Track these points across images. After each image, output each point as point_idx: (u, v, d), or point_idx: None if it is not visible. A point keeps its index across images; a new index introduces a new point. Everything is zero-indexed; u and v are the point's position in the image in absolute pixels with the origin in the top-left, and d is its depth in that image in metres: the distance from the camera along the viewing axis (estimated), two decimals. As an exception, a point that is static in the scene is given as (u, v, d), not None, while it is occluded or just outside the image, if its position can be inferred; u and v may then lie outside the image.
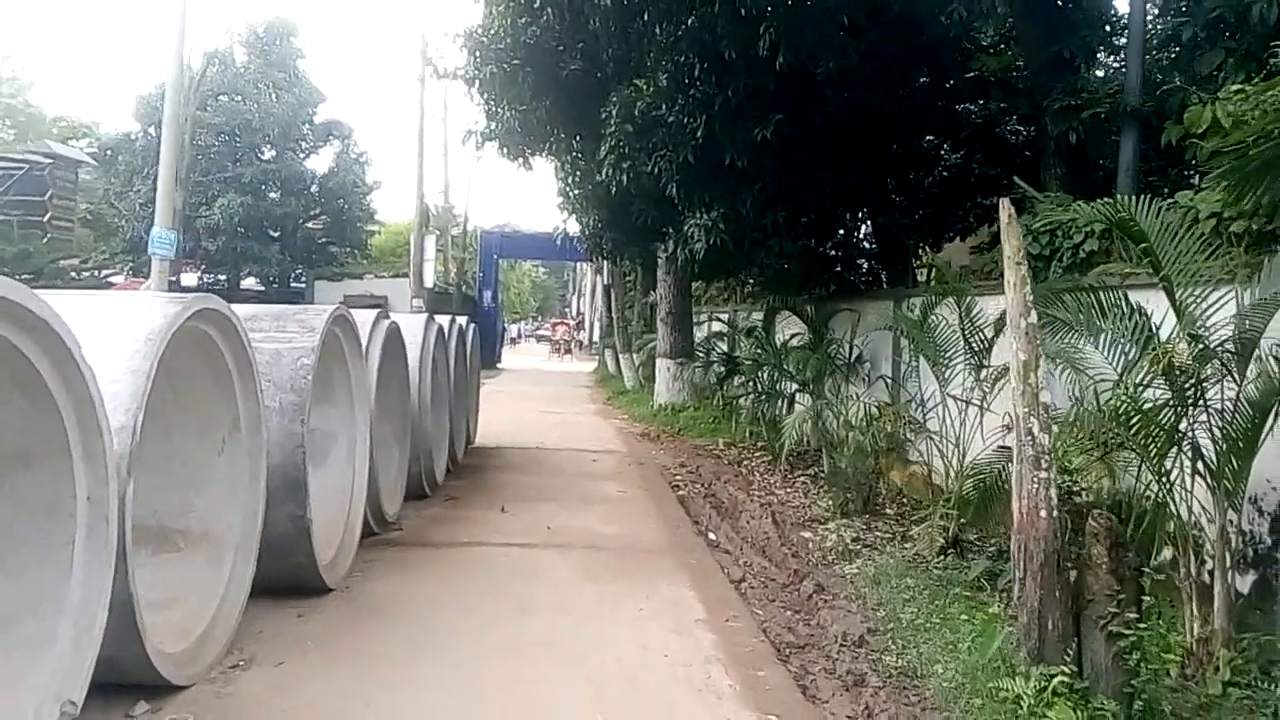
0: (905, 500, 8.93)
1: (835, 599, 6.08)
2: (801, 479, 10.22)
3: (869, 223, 11.56)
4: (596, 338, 45.11)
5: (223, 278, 32.64)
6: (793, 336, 11.75)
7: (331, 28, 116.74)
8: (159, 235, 13.63)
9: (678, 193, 9.90)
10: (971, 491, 6.49)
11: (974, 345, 7.17)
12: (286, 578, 5.48)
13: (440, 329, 9.29)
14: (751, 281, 17.67)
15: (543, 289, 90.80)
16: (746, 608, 5.94)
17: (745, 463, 11.48)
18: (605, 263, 24.58)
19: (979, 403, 7.00)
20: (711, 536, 8.08)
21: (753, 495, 9.58)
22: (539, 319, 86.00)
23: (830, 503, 8.88)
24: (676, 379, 16.26)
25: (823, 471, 10.18)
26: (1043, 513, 4.25)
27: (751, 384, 10.97)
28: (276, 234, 31.68)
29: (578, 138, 12.24)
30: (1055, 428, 4.66)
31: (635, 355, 22.59)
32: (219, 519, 4.95)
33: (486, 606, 5.60)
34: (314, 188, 31.67)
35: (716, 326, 17.70)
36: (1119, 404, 4.94)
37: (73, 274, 17.77)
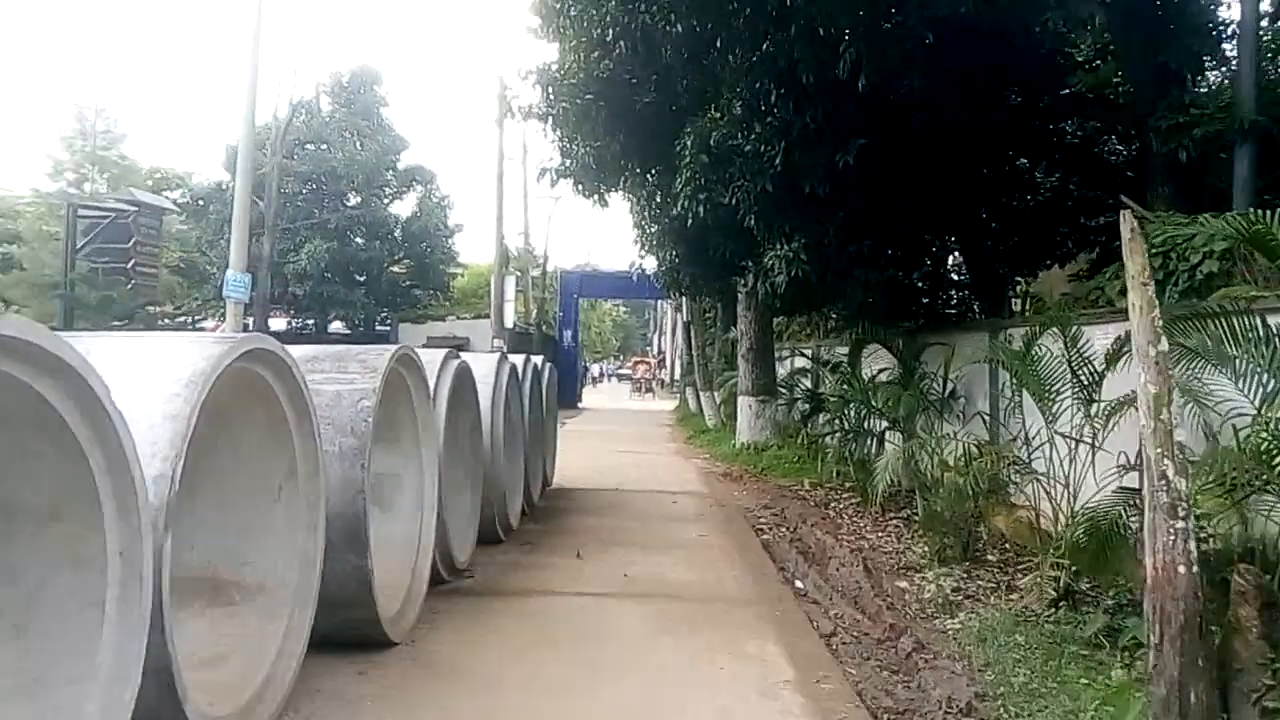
0: (1008, 546, 8.30)
1: (937, 658, 5.54)
2: (894, 522, 9.64)
3: (958, 251, 11.01)
4: (677, 376, 44.80)
5: (310, 322, 33.31)
6: (880, 371, 11.20)
7: (413, 74, 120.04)
8: (233, 278, 13.78)
9: (756, 224, 9.53)
10: (1085, 538, 5.91)
11: (1082, 378, 6.60)
12: (347, 632, 5.21)
13: (514, 368, 9.05)
14: (834, 316, 17.19)
15: (624, 328, 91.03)
16: (838, 667, 5.45)
17: (833, 504, 10.93)
18: (684, 299, 24.28)
19: (1090, 440, 6.41)
20: (799, 585, 7.60)
21: (842, 540, 9.04)
22: (620, 358, 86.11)
23: (926, 549, 8.31)
24: (759, 417, 15.77)
25: (916, 514, 9.59)
26: (1181, 568, 3.71)
27: (838, 422, 10.44)
28: (362, 278, 32.25)
29: (653, 172, 11.99)
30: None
31: (716, 393, 22.15)
32: (275, 570, 4.70)
33: (556, 666, 5.23)
34: (397, 232, 32.21)
35: (799, 362, 17.21)
36: (1259, 440, 4.38)
37: (164, 320, 18.23)
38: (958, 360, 9.81)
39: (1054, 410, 6.45)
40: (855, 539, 9.13)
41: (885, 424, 9.50)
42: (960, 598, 6.88)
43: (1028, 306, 11.26)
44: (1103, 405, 6.45)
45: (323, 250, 28.91)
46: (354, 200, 31.57)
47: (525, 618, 6.14)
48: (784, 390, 15.57)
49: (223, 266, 30.13)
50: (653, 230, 13.38)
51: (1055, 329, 6.96)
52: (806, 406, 11.96)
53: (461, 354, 8.28)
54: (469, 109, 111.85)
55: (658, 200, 12.17)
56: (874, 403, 9.47)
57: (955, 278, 11.84)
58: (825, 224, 9.34)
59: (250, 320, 26.73)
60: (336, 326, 32.74)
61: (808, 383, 15.61)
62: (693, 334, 24.63)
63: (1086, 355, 6.70)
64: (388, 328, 32.89)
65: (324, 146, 30.51)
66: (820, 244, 9.33)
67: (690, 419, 26.17)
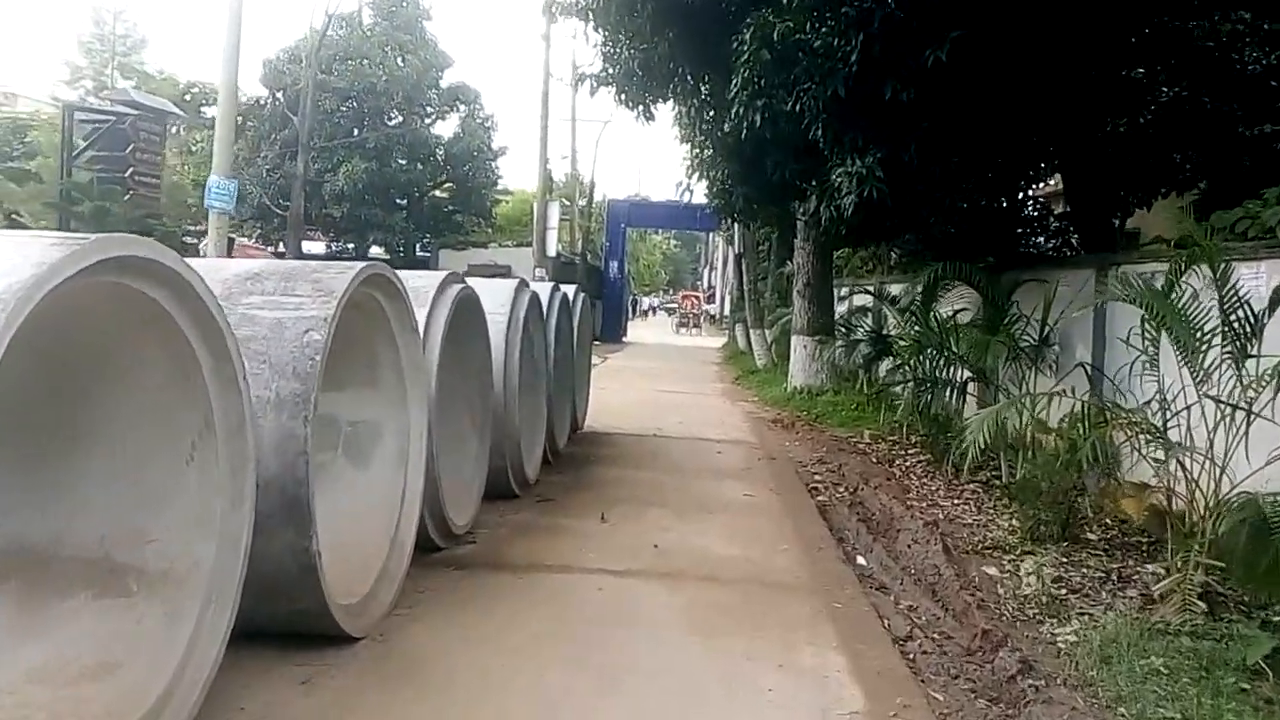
0: (1111, 523, 6.99)
1: (1050, 684, 4.29)
2: (970, 488, 8.34)
3: (1059, 175, 9.45)
4: (726, 311, 43.40)
5: (350, 246, 32.36)
6: (958, 313, 9.80)
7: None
8: (216, 185, 12.04)
9: (824, 135, 8.10)
10: (1241, 530, 4.60)
11: (1236, 327, 5.20)
12: (290, 625, 4.10)
13: (535, 298, 7.82)
14: (900, 250, 15.67)
15: (674, 261, 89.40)
16: (920, 689, 4.23)
17: (898, 462, 9.64)
18: (736, 229, 22.76)
19: (1246, 406, 5.04)
20: (861, 562, 6.39)
21: (911, 507, 7.78)
22: (670, 292, 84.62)
23: (1014, 523, 7.03)
24: (814, 359, 14.43)
25: (998, 479, 8.29)
26: None
27: (909, 369, 9.09)
28: (402, 201, 31.12)
29: (705, 79, 10.52)
30: None
31: (767, 331, 20.78)
32: (186, 552, 3.57)
33: (560, 674, 4.09)
34: (439, 154, 30.89)
35: (860, 301, 15.79)
36: None
37: (187, 238, 17.28)
38: (1055, 302, 8.39)
39: (1203, 365, 5.06)
40: (927, 506, 7.86)
41: (967, 373, 8.12)
42: (1065, 592, 5.61)
43: (1123, 243, 9.75)
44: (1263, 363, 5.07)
45: (361, 170, 27.72)
46: (395, 119, 30.27)
47: (529, 603, 5.00)
48: (843, 331, 14.18)
49: (258, 184, 29.28)
50: (704, 147, 11.91)
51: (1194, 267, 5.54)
52: (870, 350, 10.58)
53: (473, 280, 7.11)
54: (515, 25, 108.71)
55: (710, 112, 10.68)
56: (954, 348, 8.08)
57: (1044, 207, 10.29)
58: (906, 137, 7.87)
59: (283, 241, 25.87)
60: (376, 252, 31.72)
61: (869, 323, 14.22)
62: (744, 267, 23.16)
63: (1242, 298, 5.30)
64: (429, 254, 31.86)
65: (364, 62, 29.12)
66: (898, 160, 7.88)
67: (739, 357, 24.89)
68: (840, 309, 15.92)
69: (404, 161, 29.40)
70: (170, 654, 3.43)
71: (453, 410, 6.27)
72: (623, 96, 11.14)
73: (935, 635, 5.00)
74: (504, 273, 22.81)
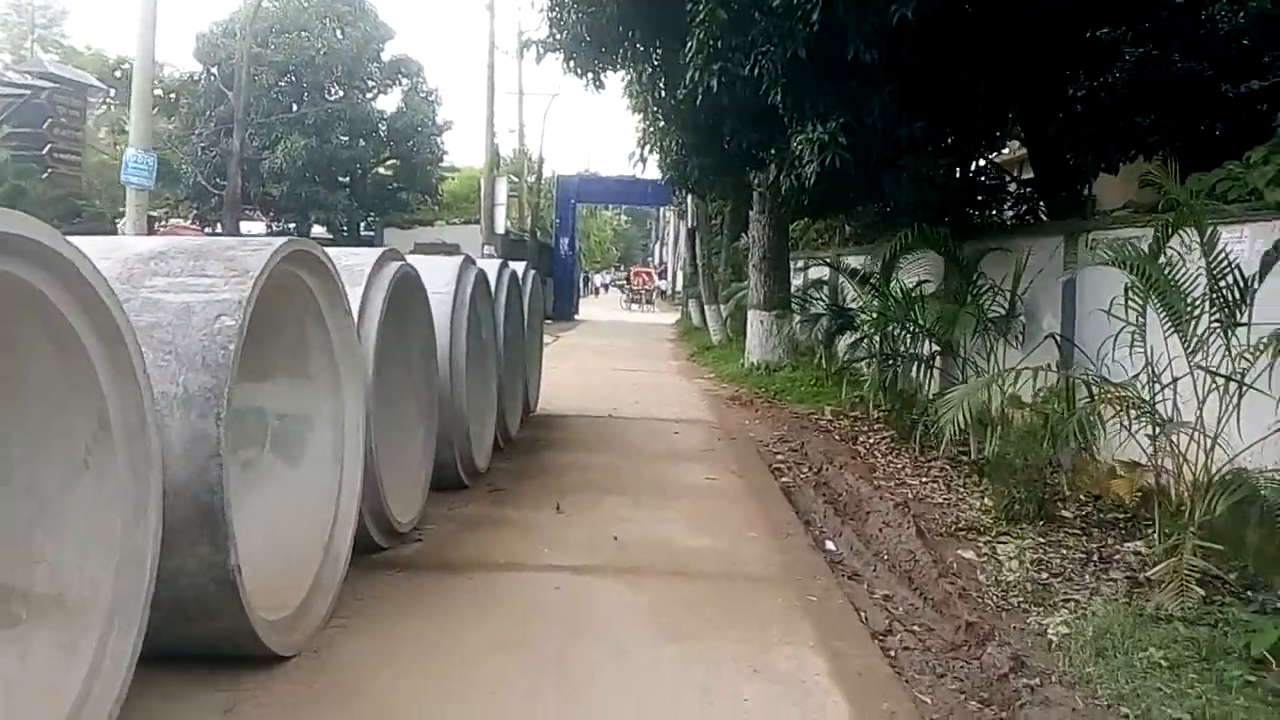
0: (1086, 499, 6.76)
1: (1044, 681, 3.99)
2: (939, 465, 8.08)
3: (1016, 142, 9.15)
4: (678, 287, 43.05)
5: (291, 226, 31.40)
6: (920, 284, 9.52)
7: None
8: (133, 159, 11.04)
9: (783, 100, 7.71)
10: (1249, 510, 4.35)
11: (1226, 293, 4.93)
12: (211, 647, 3.66)
13: (482, 275, 7.36)
14: (854, 223, 15.41)
15: (625, 237, 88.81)
16: (906, 691, 3.92)
17: (861, 439, 9.35)
18: (689, 202, 22.35)
19: (1238, 378, 4.78)
20: (831, 548, 6.08)
21: (879, 487, 7.49)
22: (621, 268, 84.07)
23: (987, 502, 6.77)
24: (771, 334, 14.13)
25: (965, 455, 8.04)
26: None
27: (873, 344, 8.76)
28: (345, 179, 30.23)
29: (657, 44, 10.05)
30: None
31: (722, 306, 20.45)
32: (81, 572, 3.11)
33: (514, 691, 3.69)
34: (382, 129, 29.99)
35: (816, 273, 15.51)
36: None
37: (115, 219, 16.39)
38: (1015, 270, 8.13)
39: (1194, 334, 4.79)
40: (895, 485, 7.57)
41: (934, 347, 7.80)
42: (1047, 576, 5.34)
43: (1088, 210, 9.52)
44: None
45: (300, 147, 26.79)
46: (335, 94, 29.31)
47: (479, 609, 4.59)
48: (801, 305, 13.87)
49: (193, 163, 28.24)
50: (657, 117, 11.45)
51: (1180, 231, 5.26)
52: (831, 324, 10.24)
53: (415, 258, 6.65)
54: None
55: (663, 79, 10.23)
56: (920, 321, 7.77)
57: (1007, 174, 10.02)
58: (870, 100, 7.51)
59: (220, 221, 24.96)
60: (318, 231, 30.81)
61: (827, 297, 13.94)
62: (697, 241, 22.76)
63: (1231, 263, 5.03)
64: (373, 233, 31.03)
65: (301, 34, 28.11)
66: (862, 125, 7.52)
67: (693, 334, 24.56)
68: (796, 282, 15.63)
69: (345, 138, 28.51)
70: (65, 691, 2.98)
71: (395, 398, 5.83)
72: (571, 64, 10.63)
73: (916, 628, 4.70)
74: (451, 251, 22.14)
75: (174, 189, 29.63)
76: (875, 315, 8.15)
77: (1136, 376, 5.04)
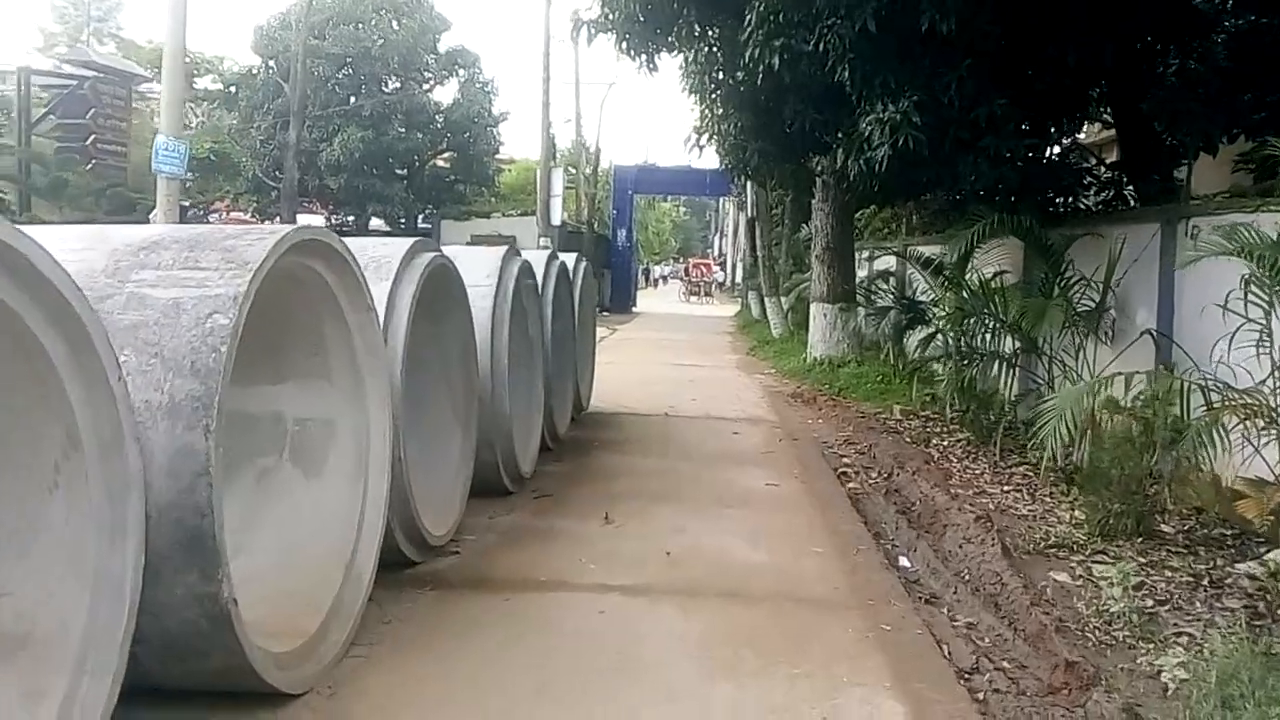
0: (1186, 512, 6.11)
1: (1165, 741, 3.42)
2: (1020, 471, 7.46)
3: (1110, 117, 8.43)
4: (738, 279, 42.39)
5: (350, 218, 31.45)
6: (997, 275, 8.87)
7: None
8: (164, 146, 10.97)
9: (851, 77, 7.14)
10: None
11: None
12: (208, 684, 3.27)
13: (527, 269, 6.92)
14: (923, 211, 14.69)
15: (683, 229, 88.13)
16: (1001, 748, 3.38)
17: (935, 442, 8.74)
18: (749, 191, 21.72)
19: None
20: (905, 564, 5.54)
21: (956, 495, 6.90)
22: (679, 260, 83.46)
23: (1077, 515, 6.15)
24: (835, 328, 13.51)
25: (1051, 462, 7.40)
26: None
27: (949, 339, 8.13)
28: (402, 171, 30.13)
29: (714, 22, 9.51)
30: None
31: (783, 299, 19.81)
32: (49, 605, 2.73)
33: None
34: (439, 120, 29.81)
35: (885, 264, 14.84)
36: None
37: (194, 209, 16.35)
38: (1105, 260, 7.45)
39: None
40: (974, 494, 6.97)
41: (1016, 344, 7.14)
42: (1152, 602, 4.73)
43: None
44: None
45: (357, 139, 26.69)
46: (392, 86, 29.19)
47: (515, 635, 4.14)
48: (866, 298, 13.22)
49: (252, 156, 28.36)
50: (713, 100, 10.89)
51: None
52: (901, 318, 9.61)
53: (454, 249, 6.28)
54: None
55: (721, 59, 9.67)
56: (1002, 315, 7.13)
57: (1094, 157, 9.27)
58: (946, 75, 6.90)
59: (279, 215, 25.00)
60: (376, 224, 30.79)
61: (894, 288, 13.29)
62: (757, 231, 22.12)
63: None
64: (430, 225, 30.93)
65: (358, 26, 28.03)
66: (937, 103, 6.92)
67: (752, 326, 23.97)
68: (860, 274, 14.97)
69: (402, 129, 28.33)
70: (27, 745, 2.60)
71: (429, 400, 5.42)
72: (624, 45, 10.12)
73: (1007, 665, 4.14)
74: (509, 243, 21.91)
75: (234, 182, 29.83)
76: (951, 309, 7.53)
77: (1263, 382, 4.40)
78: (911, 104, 6.82)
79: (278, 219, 24.86)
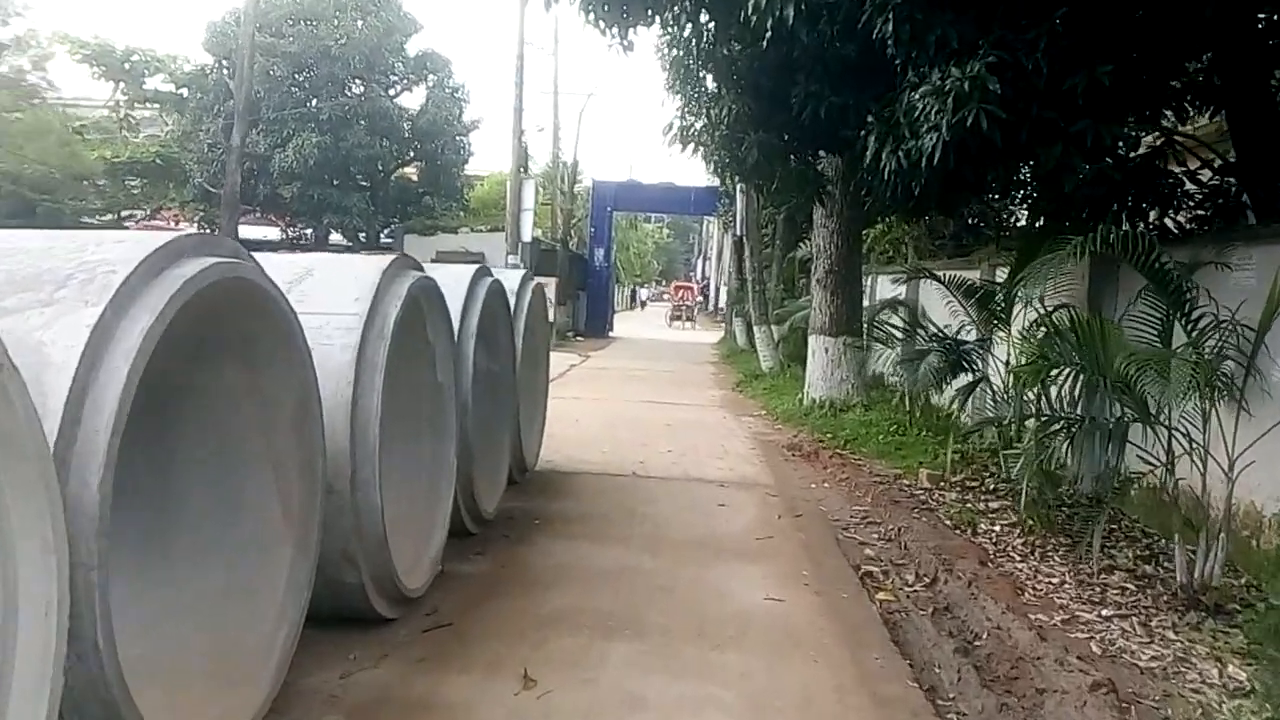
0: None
1: None
2: (1116, 579, 5.40)
3: (1219, 107, 6.42)
4: (721, 304, 40.43)
5: (309, 231, 29.24)
6: (1057, 309, 6.85)
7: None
8: None
9: (895, 33, 5.11)
10: None
11: None
12: None
13: (432, 291, 4.80)
14: (946, 230, 12.73)
15: (666, 251, 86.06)
16: None
17: (982, 526, 6.68)
18: (738, 206, 19.64)
19: None
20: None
21: (1039, 626, 4.82)
22: (661, 282, 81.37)
23: (1235, 673, 4.09)
24: (838, 365, 11.51)
25: (1161, 566, 5.34)
26: None
27: (1033, 397, 5.98)
28: (365, 181, 27.95)
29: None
30: None
31: (774, 328, 17.76)
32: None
33: None
34: (405, 127, 27.62)
35: (891, 290, 12.83)
36: None
37: (88, 218, 14.24)
38: (1225, 292, 5.41)
39: None
40: (1061, 622, 4.90)
41: (1129, 413, 4.97)
42: None
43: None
44: None
45: (313, 144, 24.41)
46: (354, 89, 27.01)
47: None
48: (879, 332, 11.16)
49: (199, 162, 26.13)
50: (701, 80, 8.77)
51: None
52: (941, 363, 7.46)
53: (319, 271, 4.21)
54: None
55: (714, 24, 7.59)
56: (1106, 367, 5.00)
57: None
58: (1031, 31, 4.89)
59: (218, 223, 22.80)
60: (337, 239, 28.54)
61: (897, 319, 11.25)
62: (746, 252, 20.02)
63: None
64: (393, 239, 28.76)
65: (317, 23, 25.90)
66: (1018, 70, 4.90)
67: (738, 356, 21.91)
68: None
69: (365, 136, 26.11)
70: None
71: (230, 502, 3.31)
72: (593, 14, 8.08)
73: None
74: (476, 260, 19.83)
75: (181, 190, 27.62)
76: (1033, 358, 5.44)
77: None
78: (984, 68, 4.78)
79: (219, 226, 22.66)
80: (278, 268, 4.19)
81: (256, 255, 3.54)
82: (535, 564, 5.51)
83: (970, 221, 13.12)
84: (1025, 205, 12.10)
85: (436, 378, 5.12)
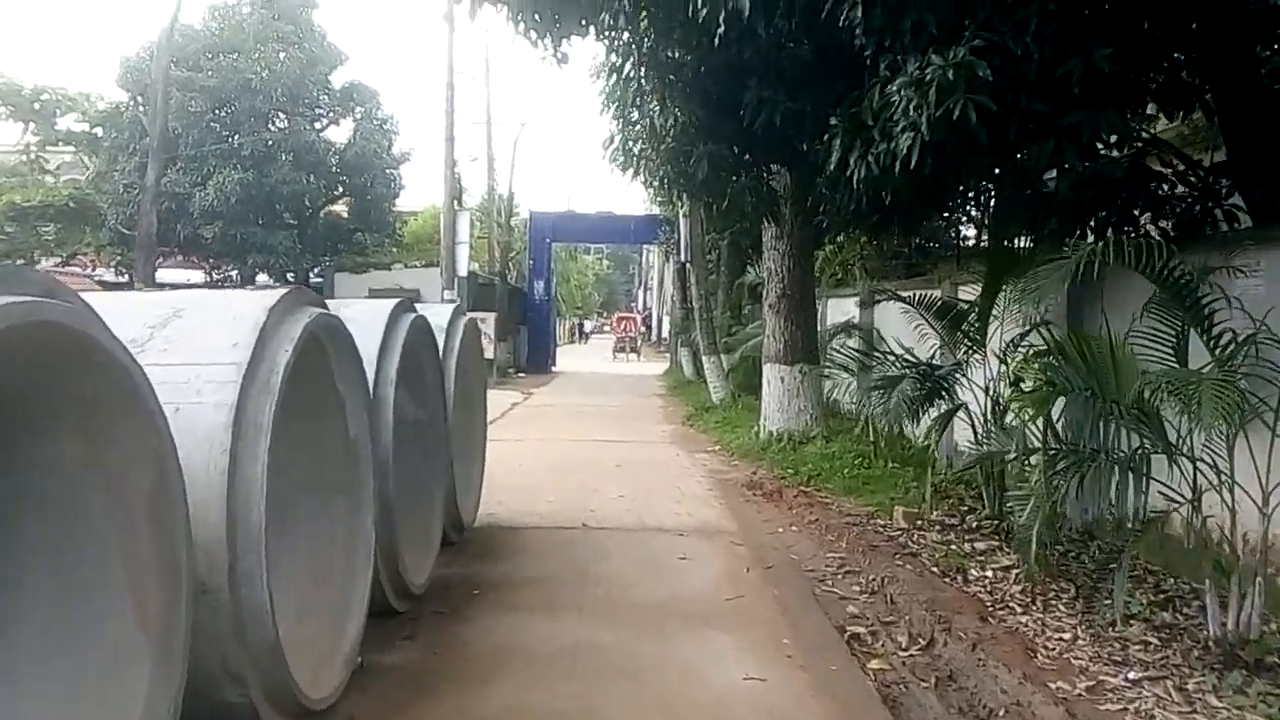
0: None
1: None
2: (1136, 631, 4.77)
3: (1209, 98, 5.91)
4: (664, 334, 39.84)
5: (234, 272, 28.03)
6: (1034, 328, 6.31)
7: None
8: None
9: (865, 20, 4.50)
10: None
11: None
12: None
13: (337, 331, 4.02)
14: (900, 249, 12.23)
15: (607, 283, 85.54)
16: None
17: (973, 572, 6.03)
18: (681, 231, 19.02)
19: None
20: None
21: (1061, 697, 4.15)
22: (603, 314, 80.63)
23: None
24: (795, 395, 10.89)
25: (1179, 614, 4.72)
26: None
27: (1036, 429, 5.33)
28: (291, 219, 26.88)
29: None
30: None
31: (724, 357, 17.13)
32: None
33: None
34: (332, 161, 26.62)
35: (840, 315, 12.31)
36: None
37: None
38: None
39: None
40: (1088, 691, 4.23)
41: (1147, 444, 4.35)
42: None
43: None
44: None
45: (235, 181, 23.29)
46: (277, 123, 25.98)
47: None
48: (834, 358, 10.57)
49: (115, 203, 24.89)
50: (643, 90, 8.07)
51: None
52: (918, 391, 6.80)
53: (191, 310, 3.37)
54: (415, 17, 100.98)
55: (656, 24, 6.89)
56: (1120, 393, 4.37)
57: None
58: (1020, 12, 4.31)
59: (134, 268, 21.66)
60: (263, 279, 27.37)
61: (854, 344, 10.67)
62: (691, 279, 19.41)
63: None
64: (324, 279, 27.66)
65: (237, 56, 24.89)
66: (1006, 56, 4.31)
67: (686, 388, 21.23)
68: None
69: (289, 171, 25.09)
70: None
71: (84, 606, 2.51)
72: (524, 24, 7.37)
73: None
74: (412, 297, 18.85)
75: (97, 234, 26.29)
76: (1039, 383, 4.80)
77: None
78: (969, 53, 4.18)
79: (134, 271, 21.49)
80: (139, 309, 3.41)
81: (115, 294, 2.76)
82: (474, 647, 4.69)
83: (918, 241, 12.66)
84: (972, 223, 11.72)
85: (349, 433, 4.32)
